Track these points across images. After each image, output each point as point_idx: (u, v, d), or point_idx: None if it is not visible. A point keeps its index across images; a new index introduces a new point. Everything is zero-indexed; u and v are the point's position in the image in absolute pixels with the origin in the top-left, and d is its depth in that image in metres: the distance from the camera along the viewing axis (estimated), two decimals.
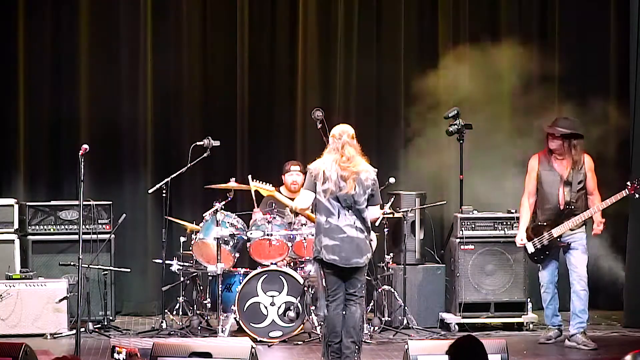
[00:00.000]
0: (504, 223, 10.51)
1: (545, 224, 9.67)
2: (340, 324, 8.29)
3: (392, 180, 10.29)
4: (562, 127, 9.65)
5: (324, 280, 8.37)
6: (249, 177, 9.95)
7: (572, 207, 9.60)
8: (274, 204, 10.23)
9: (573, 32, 11.79)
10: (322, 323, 8.55)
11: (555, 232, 9.62)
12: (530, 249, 9.74)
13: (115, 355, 6.23)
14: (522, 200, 9.80)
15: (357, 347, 8.34)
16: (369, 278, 9.77)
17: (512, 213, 10.49)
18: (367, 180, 8.27)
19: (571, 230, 9.64)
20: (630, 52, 10.98)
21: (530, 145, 10.82)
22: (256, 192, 10.05)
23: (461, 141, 10.67)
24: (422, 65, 11.58)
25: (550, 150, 9.68)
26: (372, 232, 8.50)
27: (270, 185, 9.92)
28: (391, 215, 10.30)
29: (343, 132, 8.38)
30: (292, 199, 9.93)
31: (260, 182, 9.90)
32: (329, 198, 8.23)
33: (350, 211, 8.25)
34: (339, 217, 8.24)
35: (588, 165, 9.69)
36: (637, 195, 9.66)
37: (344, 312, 8.33)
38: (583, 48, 11.73)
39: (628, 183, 9.65)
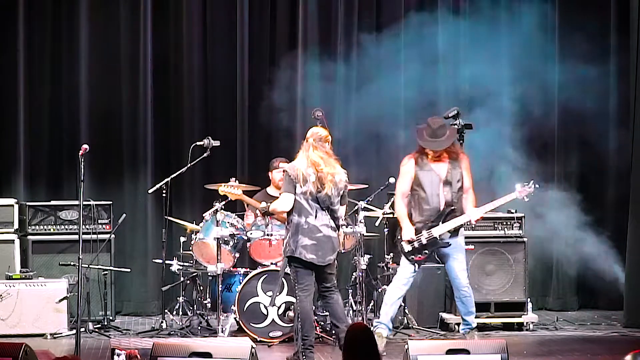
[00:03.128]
0: (504, 223, 10.52)
1: (423, 224, 9.41)
2: (313, 316, 8.77)
3: (392, 180, 10.29)
4: (434, 138, 9.38)
5: (297, 275, 8.67)
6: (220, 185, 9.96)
7: (453, 207, 9.41)
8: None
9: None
10: (298, 317, 8.69)
11: (435, 231, 9.38)
12: (407, 247, 9.43)
13: (115, 358, 6.23)
14: (397, 201, 9.45)
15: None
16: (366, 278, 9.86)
17: (512, 213, 10.50)
18: (340, 182, 8.75)
19: (450, 232, 9.42)
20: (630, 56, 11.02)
21: None
22: (245, 193, 10.12)
23: (461, 141, 10.66)
24: None
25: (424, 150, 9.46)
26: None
27: (237, 188, 9.93)
28: (391, 215, 10.29)
29: (314, 134, 8.82)
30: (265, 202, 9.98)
31: (228, 185, 9.92)
32: (308, 199, 8.62)
33: (325, 211, 8.67)
34: (316, 217, 8.66)
35: (465, 164, 9.51)
36: (526, 199, 9.55)
37: (327, 304, 8.83)
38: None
39: (517, 185, 9.55)
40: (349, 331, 5.88)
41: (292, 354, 8.85)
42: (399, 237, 9.49)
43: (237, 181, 10.22)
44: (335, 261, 8.87)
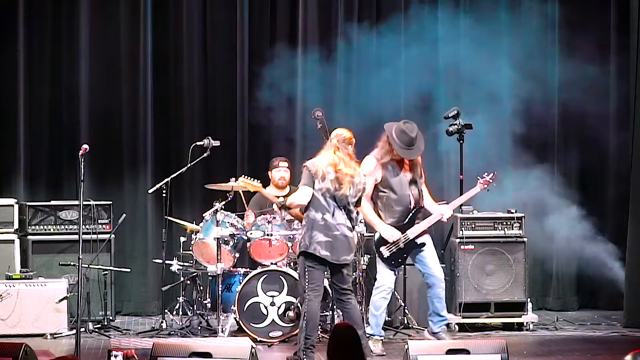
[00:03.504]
0: (504, 223, 10.51)
1: (398, 226, 9.37)
2: (318, 318, 8.80)
3: None
4: (410, 147, 9.26)
5: (308, 273, 8.65)
6: (237, 178, 9.92)
7: (422, 206, 9.43)
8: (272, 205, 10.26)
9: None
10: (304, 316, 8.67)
11: (411, 233, 9.35)
12: (386, 253, 9.37)
13: (112, 359, 6.23)
14: (365, 205, 9.17)
15: (367, 336, 8.92)
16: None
17: (512, 213, 10.50)
18: (359, 184, 8.77)
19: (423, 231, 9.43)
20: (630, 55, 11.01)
21: None
22: (245, 192, 10.10)
23: (461, 141, 10.67)
24: None
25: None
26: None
27: (258, 181, 9.87)
28: None
29: (338, 136, 8.84)
30: (279, 196, 9.96)
31: (248, 177, 9.86)
32: (325, 196, 8.63)
33: (342, 210, 8.68)
34: (333, 215, 8.66)
35: (420, 159, 9.51)
36: (488, 190, 9.56)
37: (344, 309, 8.81)
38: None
39: (479, 177, 9.58)
40: (334, 330, 5.90)
41: (293, 353, 8.85)
42: (375, 247, 9.39)
43: (236, 181, 10.19)
44: (353, 263, 8.87)
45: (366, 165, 9.27)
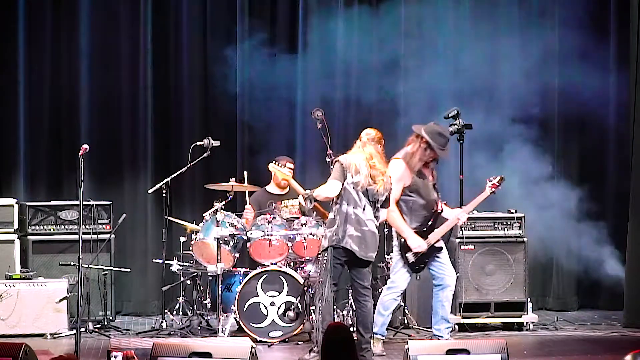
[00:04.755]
0: (504, 223, 10.51)
1: (420, 231, 9.28)
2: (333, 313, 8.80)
3: None
4: (445, 148, 9.22)
5: (333, 269, 8.62)
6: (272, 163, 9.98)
7: (440, 210, 9.36)
8: (273, 203, 10.26)
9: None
10: (320, 313, 8.64)
11: (432, 238, 9.27)
12: (412, 258, 9.27)
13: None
14: (392, 209, 9.03)
15: (371, 339, 8.89)
16: None
17: (512, 213, 10.50)
18: (388, 183, 8.75)
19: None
20: (630, 54, 11.01)
21: None
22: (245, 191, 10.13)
23: (461, 141, 10.67)
24: None
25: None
26: None
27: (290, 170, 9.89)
28: None
29: (368, 134, 8.86)
30: (280, 195, 9.97)
31: (277, 164, 9.90)
32: (358, 190, 8.62)
33: (372, 207, 8.67)
34: (364, 210, 8.65)
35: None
36: (495, 193, 9.50)
37: (360, 310, 8.79)
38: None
39: (487, 180, 9.51)
40: (328, 330, 5.90)
41: (308, 351, 8.82)
42: (400, 250, 9.26)
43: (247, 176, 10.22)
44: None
45: (395, 168, 9.12)
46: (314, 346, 8.81)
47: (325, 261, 8.67)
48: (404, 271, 9.32)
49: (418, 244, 9.20)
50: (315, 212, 9.93)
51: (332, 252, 8.63)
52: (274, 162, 10.27)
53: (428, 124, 9.32)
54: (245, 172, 10.16)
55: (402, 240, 9.25)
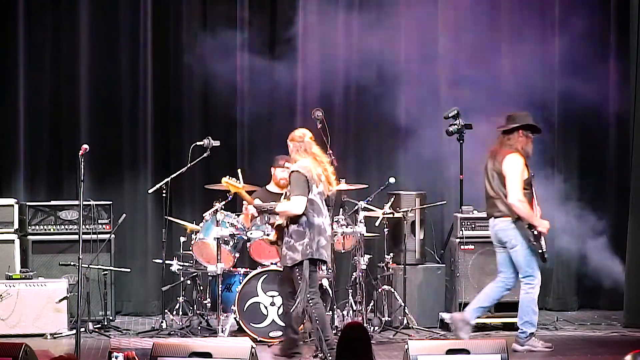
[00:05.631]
0: None
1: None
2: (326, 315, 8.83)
3: (392, 180, 10.30)
4: (532, 121, 9.45)
5: (311, 278, 8.61)
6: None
7: None
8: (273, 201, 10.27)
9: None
10: (316, 320, 8.66)
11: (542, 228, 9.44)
12: (544, 247, 9.40)
13: None
14: (522, 199, 9.25)
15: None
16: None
17: None
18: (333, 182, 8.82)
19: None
20: (630, 51, 11.02)
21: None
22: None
23: (461, 141, 10.67)
24: None
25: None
26: None
27: (239, 182, 9.78)
28: (391, 215, 10.30)
29: (305, 135, 8.73)
30: (280, 194, 9.96)
31: (231, 178, 9.74)
32: (322, 199, 8.60)
33: (329, 210, 8.76)
34: (326, 217, 8.69)
35: None
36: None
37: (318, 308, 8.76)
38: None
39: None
40: (344, 330, 5.89)
41: (312, 356, 8.83)
42: (533, 242, 9.31)
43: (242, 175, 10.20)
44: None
45: (517, 163, 9.26)
46: (315, 353, 8.76)
47: (299, 275, 8.59)
48: (536, 262, 9.35)
49: (547, 226, 9.33)
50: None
51: (307, 264, 8.59)
52: (274, 162, 10.33)
53: (508, 116, 9.46)
54: (239, 170, 10.09)
55: (534, 231, 9.31)
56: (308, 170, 8.54)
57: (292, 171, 8.61)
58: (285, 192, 9.71)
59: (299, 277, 8.61)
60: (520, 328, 9.41)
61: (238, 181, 9.72)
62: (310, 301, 8.62)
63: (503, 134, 9.44)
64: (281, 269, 9.84)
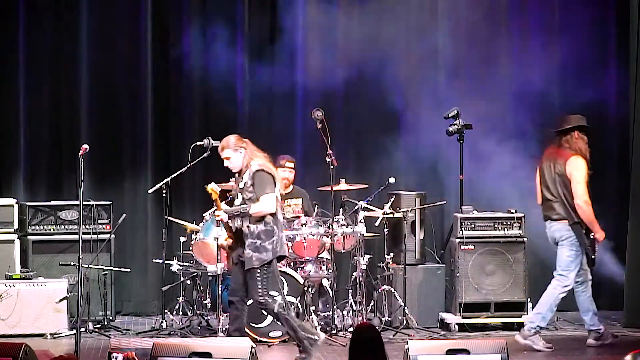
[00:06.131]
0: (504, 223, 10.51)
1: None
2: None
3: (392, 180, 10.31)
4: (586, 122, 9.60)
5: (276, 276, 8.63)
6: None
7: None
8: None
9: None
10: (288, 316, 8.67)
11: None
12: (595, 253, 9.54)
13: None
14: (587, 200, 9.44)
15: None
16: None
17: (512, 213, 10.49)
18: None
19: None
20: (630, 50, 11.01)
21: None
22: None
23: (461, 141, 10.67)
24: None
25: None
26: None
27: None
28: (391, 215, 10.31)
29: (241, 137, 8.78)
30: (281, 195, 9.95)
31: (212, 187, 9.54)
32: (278, 195, 8.66)
33: None
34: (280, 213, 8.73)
35: None
36: None
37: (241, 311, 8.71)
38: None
39: None
40: (356, 331, 5.87)
41: (299, 351, 8.81)
42: (589, 247, 9.41)
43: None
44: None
45: (582, 165, 9.44)
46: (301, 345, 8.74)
47: (265, 275, 8.46)
48: (575, 267, 9.42)
49: (604, 236, 9.45)
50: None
51: (275, 262, 8.56)
52: (275, 162, 10.33)
53: (562, 118, 9.61)
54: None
55: (592, 236, 9.40)
56: (270, 169, 8.62)
57: (257, 170, 8.57)
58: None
59: (265, 277, 8.46)
60: (531, 318, 9.48)
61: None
62: (279, 302, 8.53)
63: (558, 135, 9.48)
64: (281, 269, 9.84)
